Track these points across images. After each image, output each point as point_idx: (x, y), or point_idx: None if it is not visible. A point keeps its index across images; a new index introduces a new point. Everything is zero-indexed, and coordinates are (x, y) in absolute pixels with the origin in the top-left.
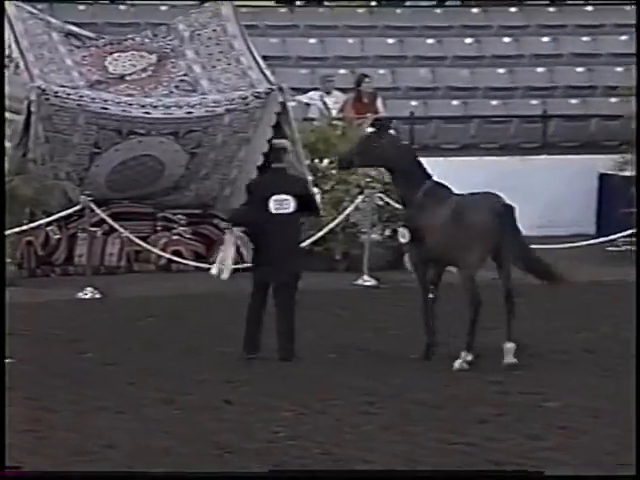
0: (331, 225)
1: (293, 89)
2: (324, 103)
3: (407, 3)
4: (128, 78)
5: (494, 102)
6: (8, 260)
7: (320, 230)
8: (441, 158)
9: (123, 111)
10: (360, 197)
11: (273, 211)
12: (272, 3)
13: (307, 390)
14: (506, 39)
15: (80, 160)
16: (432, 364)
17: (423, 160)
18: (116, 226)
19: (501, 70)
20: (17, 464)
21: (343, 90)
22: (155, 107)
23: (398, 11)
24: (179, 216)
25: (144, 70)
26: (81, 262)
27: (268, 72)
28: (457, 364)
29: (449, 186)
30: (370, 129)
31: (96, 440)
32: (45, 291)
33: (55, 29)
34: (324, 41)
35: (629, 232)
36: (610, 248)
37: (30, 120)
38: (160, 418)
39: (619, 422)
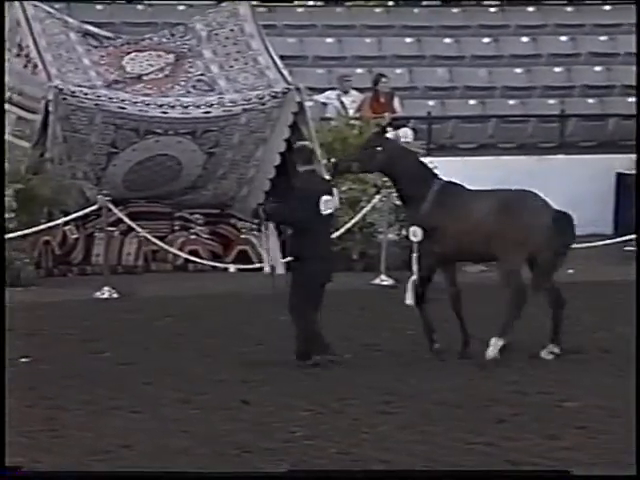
0: (348, 225)
1: (310, 89)
2: (341, 103)
3: (424, 2)
4: (145, 78)
5: (511, 102)
6: (26, 260)
7: (337, 230)
8: (458, 158)
9: (140, 111)
10: (377, 197)
11: (323, 211)
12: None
13: (324, 390)
14: (524, 38)
15: (97, 160)
16: (450, 364)
17: (441, 160)
18: (133, 226)
19: (519, 70)
20: (34, 462)
21: (360, 90)
22: (172, 107)
23: (415, 10)
24: (196, 216)
25: (161, 70)
26: (98, 262)
27: (285, 72)
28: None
29: (461, 184)
30: (373, 133)
31: (112, 440)
32: (62, 291)
33: (73, 29)
34: (341, 41)
35: None
36: (627, 248)
37: (48, 120)
38: (177, 418)
39: (636, 421)
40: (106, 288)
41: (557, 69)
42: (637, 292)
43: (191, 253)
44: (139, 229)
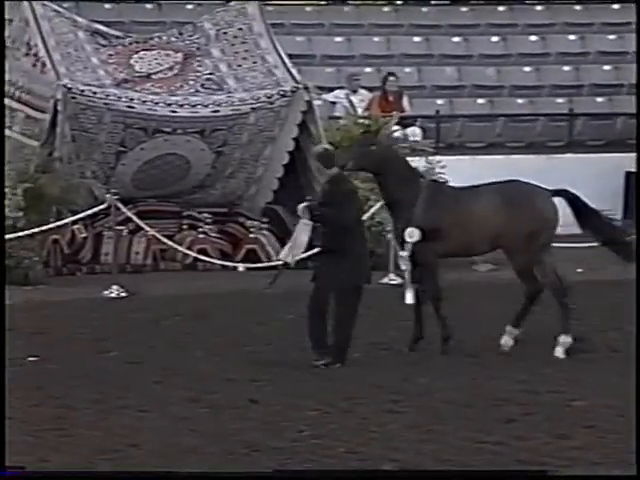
0: None
1: (319, 88)
2: (350, 101)
3: (433, 1)
4: (154, 77)
5: (520, 100)
6: (35, 259)
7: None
8: (467, 157)
9: (149, 110)
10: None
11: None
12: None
13: (333, 389)
14: (532, 37)
15: (106, 159)
16: (458, 363)
17: (449, 159)
18: (142, 225)
19: (527, 68)
20: (41, 461)
21: (369, 89)
22: (181, 106)
23: (424, 9)
24: (205, 215)
25: (170, 69)
26: (107, 260)
27: (294, 71)
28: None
29: (446, 182)
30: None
31: (120, 439)
32: (71, 290)
33: (81, 27)
34: (350, 39)
35: None
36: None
37: (57, 119)
38: (185, 417)
39: (636, 421)
40: (114, 287)
41: (566, 68)
42: (637, 292)
43: (200, 252)
44: (148, 228)
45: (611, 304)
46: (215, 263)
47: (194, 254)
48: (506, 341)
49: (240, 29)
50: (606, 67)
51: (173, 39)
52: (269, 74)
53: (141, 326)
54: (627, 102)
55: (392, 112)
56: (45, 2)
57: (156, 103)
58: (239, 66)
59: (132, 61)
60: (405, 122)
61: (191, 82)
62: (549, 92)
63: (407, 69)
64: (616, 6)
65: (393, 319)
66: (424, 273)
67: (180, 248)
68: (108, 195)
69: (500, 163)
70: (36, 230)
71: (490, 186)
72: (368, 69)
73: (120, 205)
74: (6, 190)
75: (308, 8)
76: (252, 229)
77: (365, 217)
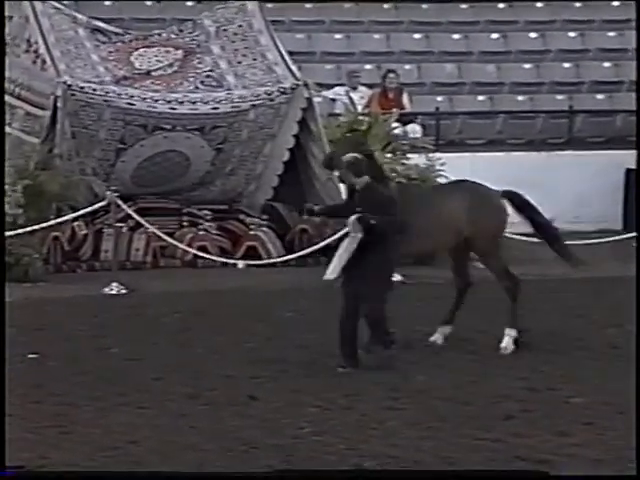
0: None
1: (319, 84)
2: (350, 98)
3: None
4: (154, 74)
5: (520, 97)
6: (35, 256)
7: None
8: (467, 154)
9: (149, 107)
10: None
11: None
12: None
13: (332, 386)
14: (532, 34)
15: (106, 156)
16: (456, 360)
17: (449, 156)
18: (142, 221)
19: (527, 65)
20: (42, 458)
21: (369, 85)
22: (181, 103)
23: (424, 6)
24: (205, 212)
25: (170, 66)
26: (107, 257)
27: (294, 68)
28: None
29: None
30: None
31: (120, 436)
32: (71, 286)
33: (81, 25)
34: (350, 36)
35: None
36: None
37: (56, 116)
38: (185, 414)
39: (637, 422)
40: (114, 284)
41: (566, 65)
42: (637, 289)
43: (200, 249)
44: (148, 225)
45: (610, 301)
46: (215, 260)
47: (194, 251)
48: (437, 337)
49: (240, 26)
50: (606, 64)
51: (173, 36)
52: (269, 71)
53: (141, 323)
54: (627, 99)
55: (392, 109)
56: None
57: (156, 100)
58: (239, 63)
59: (132, 58)
60: (405, 119)
61: (191, 79)
62: (549, 89)
63: (407, 66)
64: (616, 3)
65: (392, 317)
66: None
67: (180, 245)
68: (108, 192)
69: (500, 160)
70: (36, 227)
71: (452, 185)
72: (368, 66)
73: (120, 202)
74: (6, 187)
75: (308, 5)
76: (252, 226)
77: None
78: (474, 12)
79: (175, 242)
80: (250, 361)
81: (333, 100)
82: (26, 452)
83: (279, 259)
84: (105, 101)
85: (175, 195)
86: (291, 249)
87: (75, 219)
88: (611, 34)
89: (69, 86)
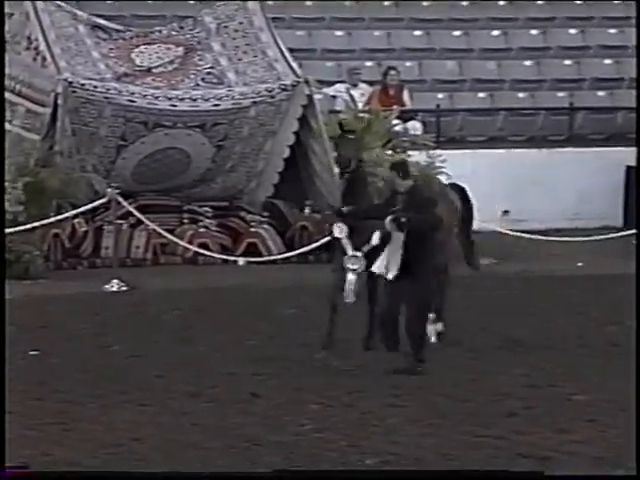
0: None
1: (319, 81)
2: (350, 95)
3: None
4: (155, 71)
5: (521, 94)
6: (35, 253)
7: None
8: (467, 151)
9: (149, 104)
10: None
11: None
12: None
13: (334, 383)
14: (533, 31)
15: (107, 153)
16: (457, 358)
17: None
18: (143, 219)
19: (528, 62)
20: (44, 455)
21: (369, 82)
22: (181, 100)
23: (425, 3)
24: (205, 209)
25: (171, 63)
26: (108, 254)
27: (294, 64)
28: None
29: None
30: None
31: (122, 433)
32: (72, 284)
33: (82, 21)
34: (350, 34)
35: None
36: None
37: (57, 113)
38: (187, 411)
39: (637, 422)
40: (115, 281)
41: (567, 62)
42: (637, 286)
43: (200, 246)
44: (148, 222)
45: (611, 298)
46: (216, 257)
47: (195, 248)
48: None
49: (241, 23)
50: (607, 61)
51: (174, 33)
52: (270, 68)
53: (142, 320)
54: (628, 96)
55: (392, 106)
56: None
57: (156, 97)
58: (240, 60)
59: (133, 55)
60: (405, 116)
61: (192, 76)
62: (550, 86)
63: (408, 63)
64: (617, 1)
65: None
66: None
67: (181, 242)
68: (109, 189)
69: (501, 157)
70: (36, 224)
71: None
72: (369, 63)
73: (120, 199)
74: (6, 184)
75: (308, 2)
76: (253, 223)
77: None
78: (475, 9)
79: (176, 239)
80: (252, 359)
81: (334, 97)
82: (28, 449)
83: (280, 256)
84: (106, 98)
85: (176, 192)
86: (291, 246)
87: (75, 216)
88: (612, 31)
89: (70, 83)
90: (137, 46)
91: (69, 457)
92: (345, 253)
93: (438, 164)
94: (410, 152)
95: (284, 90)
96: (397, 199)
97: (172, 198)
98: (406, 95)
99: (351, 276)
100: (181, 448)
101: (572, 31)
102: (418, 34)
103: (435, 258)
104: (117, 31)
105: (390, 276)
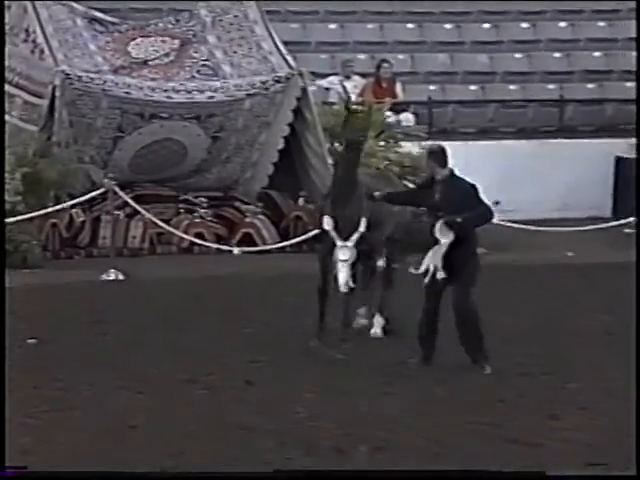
0: None
1: (313, 74)
2: (344, 87)
3: None
4: (151, 63)
5: (512, 87)
6: (33, 242)
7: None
8: (459, 142)
9: (146, 95)
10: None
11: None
12: None
13: (328, 371)
14: (524, 24)
15: (104, 144)
16: (450, 346)
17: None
18: (139, 209)
19: (519, 55)
20: (41, 442)
21: (362, 75)
22: (177, 91)
23: None
24: (201, 199)
25: (167, 55)
26: (105, 244)
27: (289, 57)
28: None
29: None
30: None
31: (119, 420)
32: (69, 273)
33: (79, 15)
34: (344, 26)
35: None
36: (627, 230)
37: (55, 104)
38: (183, 398)
39: (637, 422)
40: (112, 270)
41: (556, 55)
42: (637, 275)
43: (196, 236)
44: (144, 212)
45: (602, 287)
46: (211, 247)
47: (190, 238)
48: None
49: (236, 16)
50: (596, 54)
51: (170, 26)
52: (264, 60)
53: (139, 309)
54: (617, 88)
55: (385, 98)
56: None
57: (153, 89)
58: (235, 53)
59: (129, 48)
60: (398, 108)
61: (187, 68)
62: (540, 78)
63: (400, 56)
64: None
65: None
66: None
67: (177, 232)
68: (106, 179)
69: (492, 148)
70: (35, 214)
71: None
72: (362, 56)
73: (117, 189)
74: (5, 175)
75: None
76: (247, 213)
77: None
78: (466, 3)
79: (172, 229)
80: (247, 346)
81: (327, 89)
82: (26, 437)
83: (274, 246)
84: (103, 90)
85: (172, 182)
86: (286, 236)
87: (73, 206)
88: (601, 24)
89: (67, 75)
90: (133, 39)
91: (66, 444)
92: (334, 244)
93: None
94: (402, 143)
95: (278, 82)
96: (434, 187)
97: (168, 188)
98: (399, 87)
99: (342, 267)
100: (177, 435)
101: (562, 24)
102: (410, 27)
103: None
104: (114, 24)
105: (439, 276)
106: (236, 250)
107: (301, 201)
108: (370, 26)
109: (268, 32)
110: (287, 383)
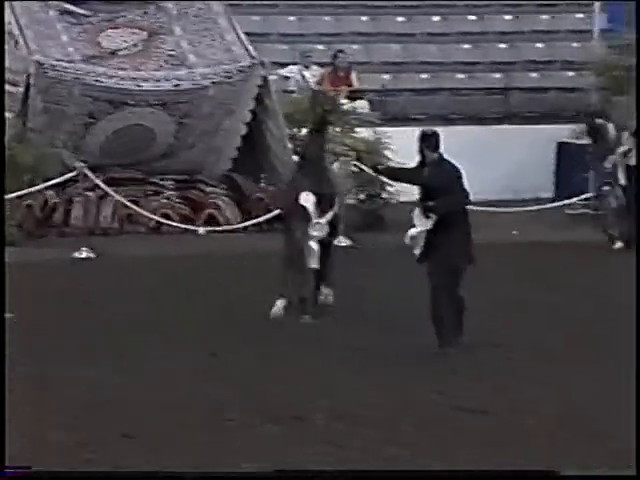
0: None
1: (274, 63)
2: (303, 76)
3: None
4: (120, 53)
5: (460, 76)
6: (10, 222)
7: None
8: (410, 128)
9: (116, 83)
10: (336, 164)
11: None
12: None
13: (304, 349)
14: (471, 17)
15: (76, 129)
16: (412, 324)
17: (395, 130)
18: (109, 191)
19: (467, 46)
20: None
21: (320, 64)
22: (145, 80)
23: None
24: (168, 181)
25: (135, 46)
26: (77, 224)
27: (250, 47)
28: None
29: None
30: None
31: (96, 395)
32: (43, 251)
33: (52, 7)
34: (302, 19)
35: (585, 196)
36: (568, 211)
37: (29, 92)
38: (159, 374)
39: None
40: (84, 248)
41: (501, 45)
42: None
43: (163, 216)
44: (114, 194)
45: (546, 264)
46: (178, 226)
47: (158, 218)
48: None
49: (200, 9)
50: (539, 45)
51: (138, 18)
52: (227, 51)
53: (111, 286)
54: (558, 77)
55: (341, 86)
56: None
57: (122, 78)
58: (199, 43)
59: (99, 39)
60: (354, 96)
61: (155, 58)
62: (486, 68)
63: (355, 46)
64: None
65: (344, 279)
66: None
67: (145, 212)
68: (78, 163)
69: (443, 134)
70: (10, 195)
71: None
72: (319, 46)
73: (89, 172)
74: None
75: None
76: (212, 195)
77: None
78: None
79: (140, 210)
80: (219, 321)
81: (287, 78)
82: (11, 413)
83: (237, 225)
84: (75, 78)
85: (141, 166)
86: (248, 216)
87: (47, 188)
88: (544, 17)
89: (41, 64)
90: (104, 30)
91: (50, 420)
92: (308, 220)
93: (384, 140)
94: (357, 129)
95: (241, 71)
96: (423, 169)
97: (137, 171)
98: (354, 76)
99: (313, 243)
100: (157, 408)
101: (507, 17)
102: (365, 19)
103: (461, 232)
104: (85, 16)
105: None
106: (201, 230)
107: (262, 183)
108: (327, 18)
109: (231, 24)
110: (262, 359)
